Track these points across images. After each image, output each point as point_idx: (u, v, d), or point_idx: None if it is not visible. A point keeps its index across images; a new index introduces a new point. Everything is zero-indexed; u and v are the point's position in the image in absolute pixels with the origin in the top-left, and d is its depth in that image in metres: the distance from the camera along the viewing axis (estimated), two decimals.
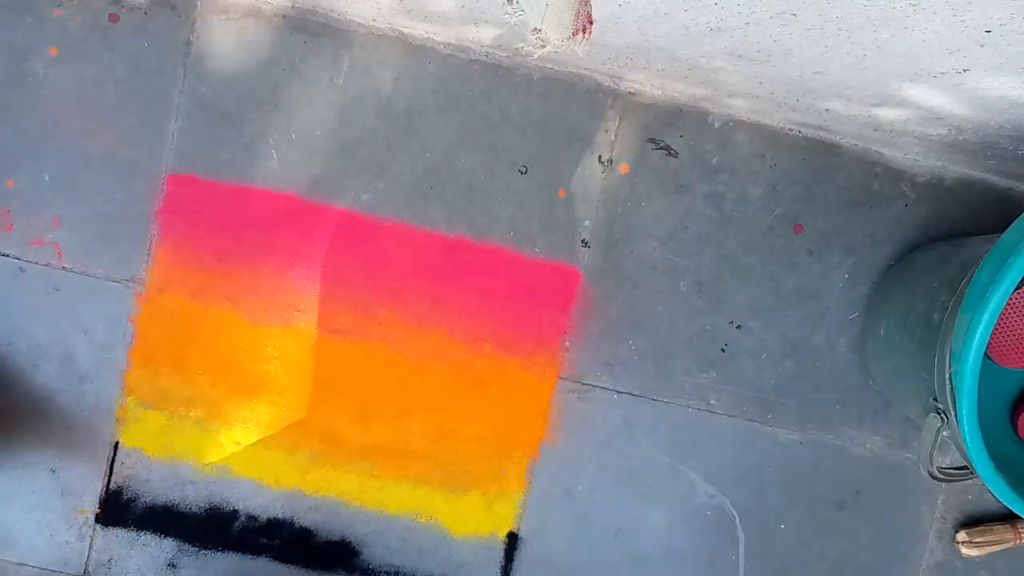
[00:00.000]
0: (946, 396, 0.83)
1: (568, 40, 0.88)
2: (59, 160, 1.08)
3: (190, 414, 1.11)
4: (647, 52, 0.92)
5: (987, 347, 0.94)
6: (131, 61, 1.07)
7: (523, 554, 1.13)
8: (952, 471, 0.92)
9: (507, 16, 0.89)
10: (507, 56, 1.08)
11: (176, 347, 1.10)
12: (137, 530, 1.12)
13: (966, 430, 0.79)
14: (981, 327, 0.76)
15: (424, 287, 1.10)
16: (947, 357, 0.82)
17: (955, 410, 0.79)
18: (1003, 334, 0.95)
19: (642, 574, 1.14)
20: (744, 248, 1.11)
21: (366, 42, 1.08)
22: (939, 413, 0.88)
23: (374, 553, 1.13)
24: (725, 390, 1.12)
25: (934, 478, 0.91)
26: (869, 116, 0.97)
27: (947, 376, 0.82)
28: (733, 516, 1.13)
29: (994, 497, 0.87)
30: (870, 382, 1.12)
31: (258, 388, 1.11)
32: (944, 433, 0.87)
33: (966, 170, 1.11)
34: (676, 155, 1.10)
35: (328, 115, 1.09)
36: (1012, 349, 0.95)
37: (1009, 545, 1.12)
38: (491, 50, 1.07)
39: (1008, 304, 0.94)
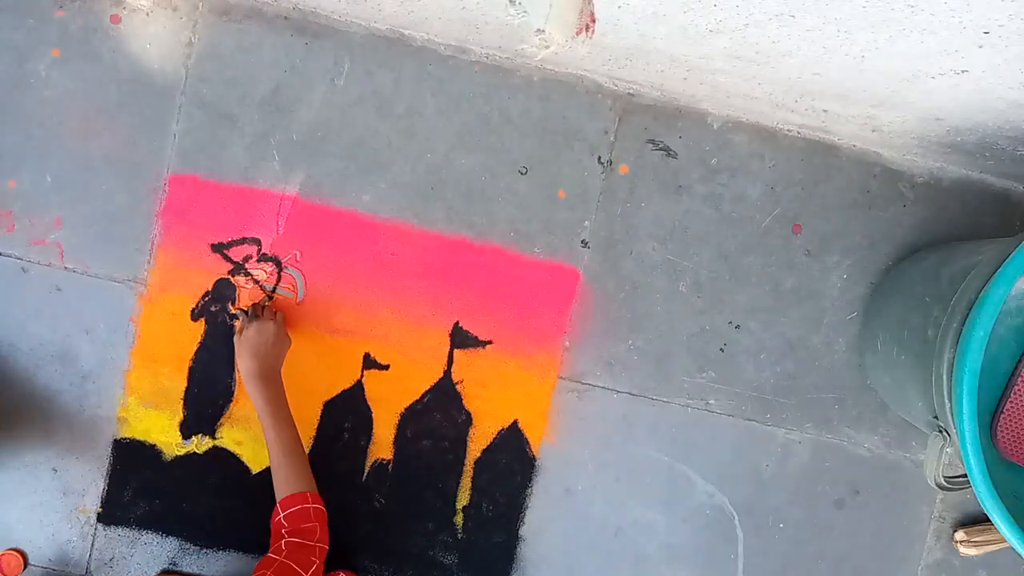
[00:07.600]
0: (947, 415, 0.82)
1: (571, 39, 0.88)
2: (61, 161, 1.08)
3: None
4: (646, 53, 0.93)
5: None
6: (133, 62, 1.08)
7: (524, 552, 1.13)
8: (960, 479, 0.90)
9: (510, 18, 0.90)
10: (507, 57, 1.08)
11: (178, 347, 1.10)
12: (139, 529, 1.12)
13: (976, 475, 0.78)
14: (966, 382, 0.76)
15: (425, 287, 1.11)
16: (944, 378, 0.81)
17: (957, 432, 0.78)
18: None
19: (642, 573, 1.14)
20: (743, 248, 1.11)
21: (367, 43, 1.08)
22: (941, 432, 0.87)
23: (378, 550, 1.14)
24: (724, 390, 1.12)
25: (943, 488, 0.90)
26: (868, 117, 0.97)
27: (945, 397, 0.81)
28: (732, 515, 1.14)
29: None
30: (873, 393, 1.12)
31: None
32: (948, 450, 0.86)
33: (964, 171, 1.11)
34: (675, 156, 1.11)
35: (329, 116, 1.09)
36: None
37: (1007, 544, 1.13)
38: (491, 51, 1.08)
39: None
